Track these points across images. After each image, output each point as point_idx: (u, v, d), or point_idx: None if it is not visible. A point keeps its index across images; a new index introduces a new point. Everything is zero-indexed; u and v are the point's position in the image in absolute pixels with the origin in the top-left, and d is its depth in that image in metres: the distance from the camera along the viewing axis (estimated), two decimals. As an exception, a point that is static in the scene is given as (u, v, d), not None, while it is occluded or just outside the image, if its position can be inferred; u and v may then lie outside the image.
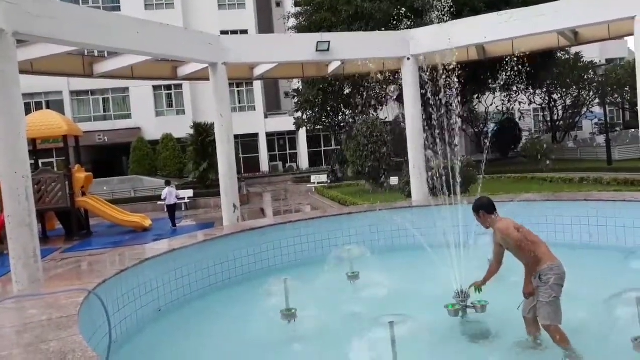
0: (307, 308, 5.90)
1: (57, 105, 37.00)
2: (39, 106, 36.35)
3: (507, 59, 11.55)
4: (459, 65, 7.07)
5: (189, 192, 25.65)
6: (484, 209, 5.12)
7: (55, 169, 22.30)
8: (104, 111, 41.50)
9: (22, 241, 6.25)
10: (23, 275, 6.22)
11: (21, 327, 3.89)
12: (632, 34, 9.05)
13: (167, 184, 20.32)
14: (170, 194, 19.04)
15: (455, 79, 7.03)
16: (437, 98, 7.18)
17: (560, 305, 4.70)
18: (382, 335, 4.02)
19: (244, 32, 40.96)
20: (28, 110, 22.21)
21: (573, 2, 9.34)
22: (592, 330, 4.96)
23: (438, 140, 7.27)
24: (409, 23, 10.50)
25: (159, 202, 22.07)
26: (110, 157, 39.97)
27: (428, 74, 7.89)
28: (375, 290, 6.86)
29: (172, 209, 19.23)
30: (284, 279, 5.92)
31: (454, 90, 6.94)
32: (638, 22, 8.58)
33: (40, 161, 21.12)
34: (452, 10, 7.58)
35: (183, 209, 24.53)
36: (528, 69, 17.30)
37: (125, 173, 37.57)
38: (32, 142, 18.55)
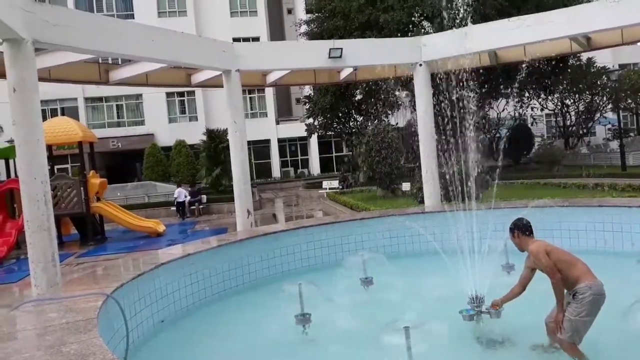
0: (322, 313, 5.94)
1: (71, 112, 37.41)
2: (54, 113, 36.80)
3: (520, 66, 11.53)
4: (472, 71, 7.08)
5: (202, 198, 25.88)
6: (519, 229, 4.99)
7: (70, 175, 22.51)
8: (118, 118, 41.90)
9: (41, 245, 6.35)
10: (42, 279, 6.31)
11: (42, 330, 3.95)
12: (646, 39, 9.04)
13: (178, 185, 26.59)
14: (180, 193, 24.63)
15: (469, 85, 7.03)
16: (450, 104, 7.19)
17: (587, 325, 4.53)
18: (396, 341, 4.04)
19: (256, 39, 41.18)
20: (44, 117, 22.46)
21: (585, 7, 9.31)
22: (610, 338, 4.93)
23: (451, 146, 7.28)
24: (421, 31, 10.52)
25: (172, 208, 25.31)
26: (124, 163, 40.28)
27: (441, 79, 7.90)
28: (389, 295, 6.89)
29: (181, 204, 24.44)
30: (298, 284, 5.95)
31: (468, 96, 6.95)
32: (652, 27, 8.57)
33: (55, 167, 21.37)
34: (464, 17, 7.57)
35: (196, 214, 24.73)
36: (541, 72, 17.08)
37: (138, 179, 37.86)
38: (49, 148, 18.74)
